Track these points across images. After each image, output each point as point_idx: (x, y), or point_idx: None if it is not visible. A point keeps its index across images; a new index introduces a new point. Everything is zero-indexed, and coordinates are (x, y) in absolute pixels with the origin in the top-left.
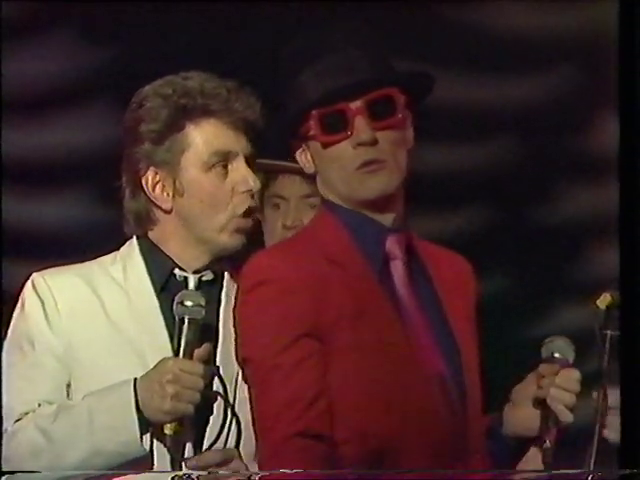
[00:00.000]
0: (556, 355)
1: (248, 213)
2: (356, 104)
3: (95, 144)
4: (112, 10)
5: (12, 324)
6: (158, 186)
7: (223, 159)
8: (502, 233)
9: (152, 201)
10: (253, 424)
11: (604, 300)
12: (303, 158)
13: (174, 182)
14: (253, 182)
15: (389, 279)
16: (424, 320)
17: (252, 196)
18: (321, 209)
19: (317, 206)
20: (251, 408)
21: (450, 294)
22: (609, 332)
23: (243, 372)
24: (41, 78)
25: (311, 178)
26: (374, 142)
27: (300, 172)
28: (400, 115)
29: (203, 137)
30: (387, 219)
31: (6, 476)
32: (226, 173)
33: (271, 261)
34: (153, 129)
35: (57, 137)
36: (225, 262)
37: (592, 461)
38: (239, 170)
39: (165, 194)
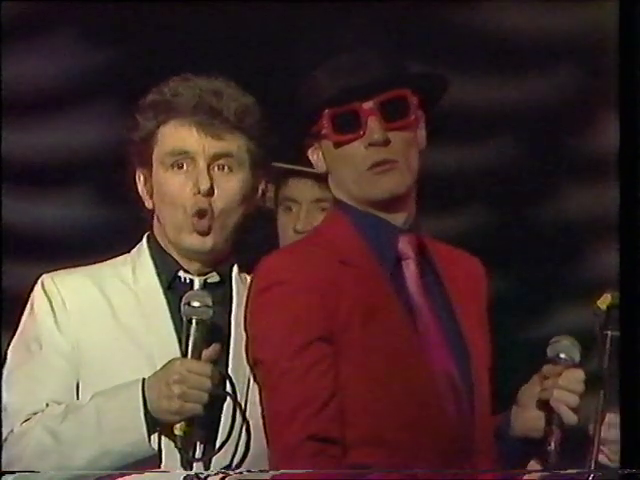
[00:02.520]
0: (562, 356)
1: (202, 214)
2: (369, 104)
3: (95, 145)
4: (113, 10)
5: (21, 325)
6: (144, 186)
7: (180, 159)
8: (502, 233)
9: (141, 201)
10: (264, 426)
11: (605, 300)
12: (315, 157)
13: (149, 181)
14: (203, 185)
15: (401, 279)
16: (435, 320)
17: (207, 195)
18: (332, 209)
19: (328, 207)
20: (262, 410)
21: (462, 295)
22: (609, 332)
23: (254, 373)
24: (42, 78)
25: (323, 181)
26: (386, 142)
27: (313, 175)
28: (413, 116)
29: (165, 136)
30: (399, 219)
31: (12, 476)
32: (186, 173)
33: (283, 263)
34: (136, 129)
35: (57, 138)
36: (230, 264)
37: (592, 461)
38: (195, 171)
39: (146, 194)
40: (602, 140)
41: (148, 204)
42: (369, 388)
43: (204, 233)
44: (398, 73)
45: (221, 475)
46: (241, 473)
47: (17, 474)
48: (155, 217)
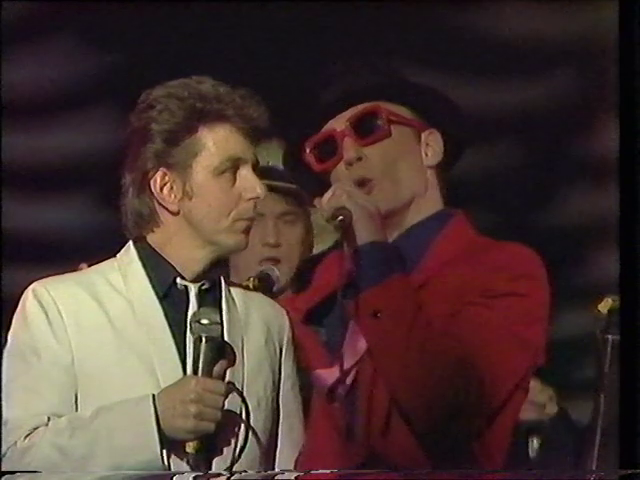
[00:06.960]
0: None
1: (251, 218)
2: (341, 126)
3: (96, 148)
4: (113, 13)
5: (13, 335)
6: (166, 187)
7: (233, 165)
8: (502, 236)
9: (159, 202)
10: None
11: (605, 304)
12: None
13: (184, 184)
14: (260, 190)
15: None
16: None
17: (255, 203)
18: None
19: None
20: None
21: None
22: (610, 336)
23: None
24: (42, 81)
25: (289, 196)
26: (359, 159)
27: (281, 189)
28: (385, 127)
29: (217, 142)
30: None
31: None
32: (234, 179)
33: None
34: (167, 129)
35: (58, 141)
36: (220, 269)
37: (592, 461)
38: (247, 177)
39: (173, 196)
40: (602, 143)
41: (173, 207)
42: None
43: (247, 232)
44: (368, 83)
45: (225, 476)
46: (243, 472)
47: (15, 473)
48: (171, 220)
